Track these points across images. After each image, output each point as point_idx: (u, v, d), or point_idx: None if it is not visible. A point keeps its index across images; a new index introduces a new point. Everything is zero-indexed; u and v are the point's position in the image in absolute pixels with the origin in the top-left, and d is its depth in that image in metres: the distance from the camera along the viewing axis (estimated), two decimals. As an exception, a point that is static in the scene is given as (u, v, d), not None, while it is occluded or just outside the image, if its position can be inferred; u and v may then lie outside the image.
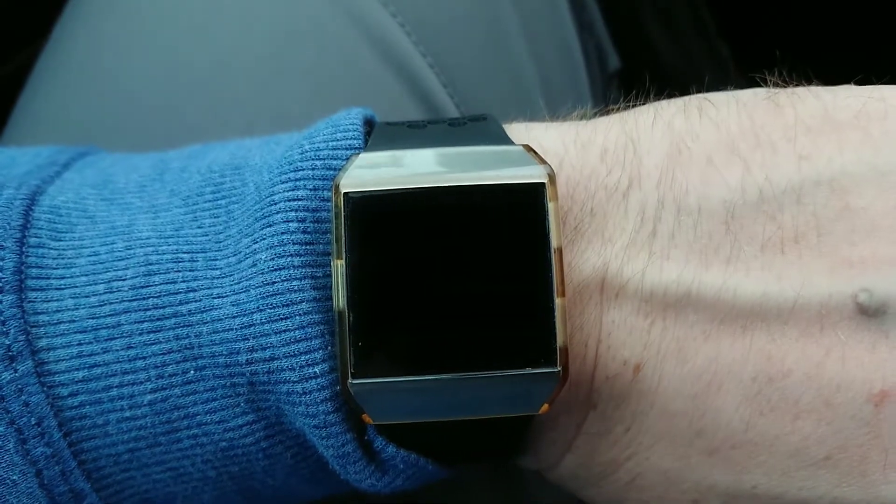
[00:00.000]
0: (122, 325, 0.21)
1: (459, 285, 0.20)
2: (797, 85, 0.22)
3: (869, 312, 0.19)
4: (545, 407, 0.20)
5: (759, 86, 0.23)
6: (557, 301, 0.20)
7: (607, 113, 0.23)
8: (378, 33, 0.35)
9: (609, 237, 0.21)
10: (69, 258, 0.22)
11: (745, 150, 0.21)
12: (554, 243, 0.20)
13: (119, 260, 0.22)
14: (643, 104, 0.23)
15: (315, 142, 0.22)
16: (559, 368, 0.20)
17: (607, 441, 0.22)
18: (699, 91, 0.24)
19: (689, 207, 0.21)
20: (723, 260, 0.20)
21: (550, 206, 0.20)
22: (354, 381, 0.20)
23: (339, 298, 0.20)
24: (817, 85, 0.22)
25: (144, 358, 0.21)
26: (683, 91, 0.24)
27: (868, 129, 0.21)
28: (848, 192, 0.20)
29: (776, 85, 0.22)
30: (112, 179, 0.24)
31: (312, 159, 0.22)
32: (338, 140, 0.22)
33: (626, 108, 0.23)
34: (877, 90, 0.22)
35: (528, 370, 0.20)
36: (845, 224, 0.20)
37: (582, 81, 0.46)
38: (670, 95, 0.23)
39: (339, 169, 0.21)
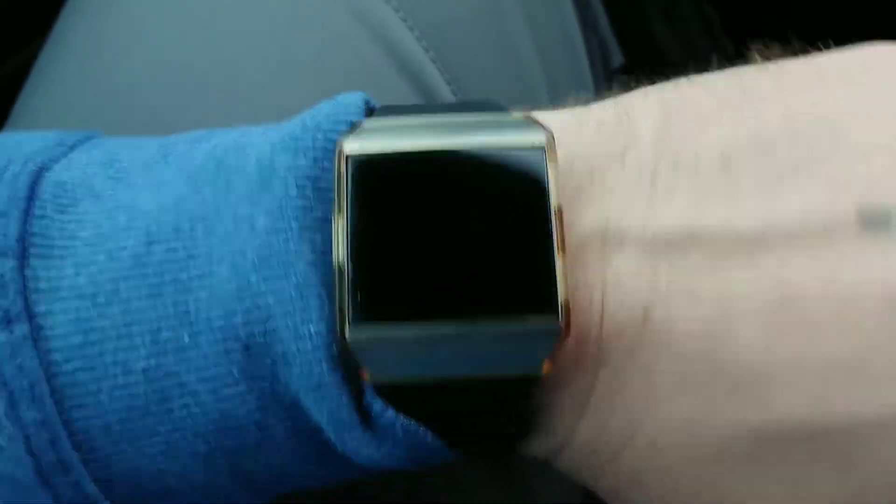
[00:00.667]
0: (121, 291, 0.22)
1: (460, 243, 0.21)
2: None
3: (875, 223, 0.20)
4: (548, 365, 0.21)
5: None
6: (558, 257, 0.20)
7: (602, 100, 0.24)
8: (382, 30, 0.36)
9: (608, 192, 0.22)
10: (72, 230, 0.22)
11: (736, 102, 0.22)
12: (554, 202, 0.21)
13: (121, 231, 0.22)
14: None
15: (317, 117, 0.23)
16: (560, 322, 0.20)
17: (623, 399, 0.21)
18: None
19: (685, 159, 0.21)
20: (722, 197, 0.21)
21: (550, 167, 0.21)
22: (352, 334, 0.20)
23: (339, 253, 0.20)
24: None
25: (140, 323, 0.21)
26: None
27: (854, 78, 0.22)
28: (842, 126, 0.21)
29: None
30: (118, 158, 0.25)
31: (314, 131, 0.22)
32: (339, 116, 0.23)
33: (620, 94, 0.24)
34: (864, 47, 0.23)
35: (530, 323, 0.20)
36: (842, 152, 0.21)
37: (586, 78, 0.46)
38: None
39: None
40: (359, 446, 0.22)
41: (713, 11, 0.64)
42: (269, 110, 0.32)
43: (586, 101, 0.25)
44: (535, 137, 0.21)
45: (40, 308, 0.22)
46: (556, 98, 0.40)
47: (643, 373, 0.21)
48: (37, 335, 0.21)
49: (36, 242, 0.22)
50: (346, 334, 0.20)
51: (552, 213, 0.21)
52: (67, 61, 0.37)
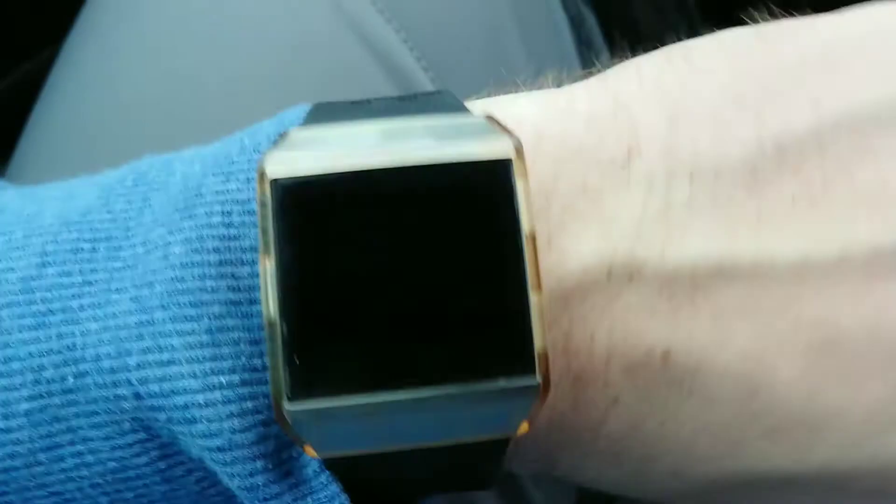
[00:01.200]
0: (3, 320, 0.19)
1: (413, 286, 0.17)
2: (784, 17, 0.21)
3: None
4: (525, 427, 0.17)
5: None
6: (532, 297, 0.17)
7: (581, 78, 0.21)
8: (381, 46, 0.35)
9: (612, 215, 0.19)
10: None
11: (752, 99, 0.19)
12: (525, 229, 0.17)
13: (14, 249, 0.20)
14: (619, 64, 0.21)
15: (257, 138, 0.20)
16: (538, 379, 0.17)
17: (637, 438, 0.20)
18: None
19: (703, 172, 0.19)
20: (751, 224, 0.18)
21: (519, 184, 0.17)
22: (292, 407, 0.16)
23: (270, 305, 0.16)
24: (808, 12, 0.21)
25: (21, 359, 0.19)
26: None
27: (875, 58, 0.19)
28: (869, 131, 0.19)
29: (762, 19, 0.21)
30: (41, 186, 0.23)
31: (250, 153, 0.20)
32: (280, 133, 0.19)
33: (602, 71, 0.21)
34: (867, 14, 0.20)
35: (502, 383, 0.17)
36: (873, 164, 0.18)
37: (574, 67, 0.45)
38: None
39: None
40: None
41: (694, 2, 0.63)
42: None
43: (562, 78, 0.21)
44: (498, 147, 0.17)
45: None
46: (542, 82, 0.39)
47: (661, 414, 0.19)
48: None
49: None
50: (285, 410, 0.16)
51: (523, 241, 0.17)
52: (78, 76, 0.37)
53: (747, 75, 0.19)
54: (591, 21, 0.50)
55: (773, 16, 0.21)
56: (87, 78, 0.36)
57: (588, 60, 0.48)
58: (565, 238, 0.19)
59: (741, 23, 0.21)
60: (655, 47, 0.21)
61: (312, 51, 0.34)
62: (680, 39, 0.21)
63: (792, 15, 0.21)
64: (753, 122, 0.19)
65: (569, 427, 0.20)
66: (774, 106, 0.19)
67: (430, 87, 0.35)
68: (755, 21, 0.21)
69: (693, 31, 0.21)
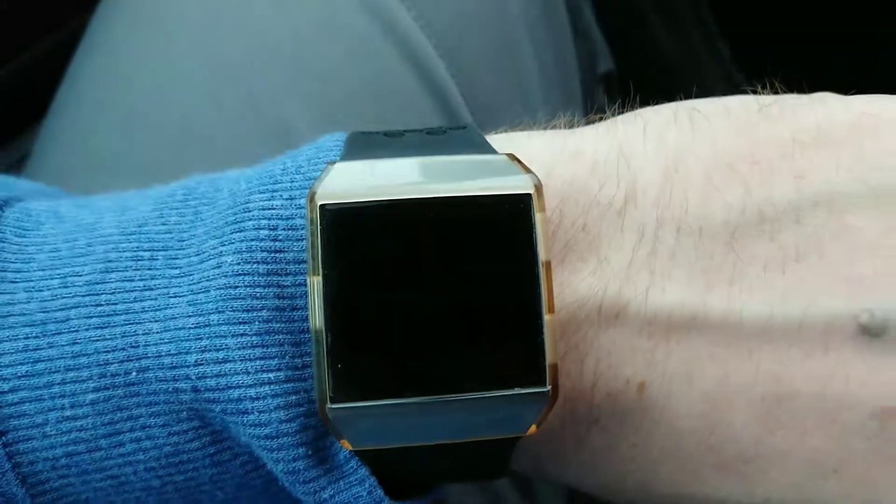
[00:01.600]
0: (72, 319, 0.21)
1: (441, 304, 0.19)
2: (786, 92, 0.22)
3: (871, 332, 0.20)
4: (533, 428, 0.20)
5: (746, 92, 0.22)
6: (546, 317, 0.19)
7: (591, 122, 0.23)
8: (399, 32, 0.36)
9: (605, 256, 0.21)
10: (30, 253, 0.22)
11: (743, 168, 0.21)
12: (542, 257, 0.19)
13: (78, 256, 0.22)
14: (628, 111, 0.23)
15: (298, 160, 0.22)
16: (548, 388, 0.19)
17: (613, 455, 0.22)
18: (700, 89, 0.23)
19: (689, 227, 0.21)
20: (726, 280, 0.20)
21: (538, 217, 0.19)
22: (333, 406, 0.19)
23: (316, 317, 0.19)
24: (807, 91, 0.22)
25: (88, 355, 0.21)
26: (686, 90, 0.24)
27: (862, 145, 0.21)
28: (845, 213, 0.20)
29: (767, 91, 0.22)
30: (92, 197, 0.25)
31: (293, 174, 0.22)
32: (320, 158, 0.22)
33: (611, 116, 0.23)
34: (871, 102, 0.22)
35: (517, 390, 0.19)
36: (844, 244, 0.20)
37: (576, 84, 0.47)
38: (668, 96, 0.23)
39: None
40: (311, 498, 0.21)
41: (709, 13, 0.63)
42: (296, 106, 0.34)
43: (573, 121, 0.23)
44: (520, 182, 0.20)
45: None
46: (549, 102, 0.41)
47: (633, 437, 0.21)
48: None
49: None
50: (327, 409, 0.19)
51: (541, 268, 0.19)
52: (108, 53, 0.37)
53: (743, 145, 0.21)
54: (588, 13, 0.51)
55: (775, 91, 0.23)
56: (116, 57, 0.37)
57: (583, 51, 0.50)
58: (565, 271, 0.21)
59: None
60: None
61: (336, 39, 0.36)
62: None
63: (796, 90, 0.22)
64: (741, 188, 0.21)
65: (557, 440, 0.22)
66: (762, 177, 0.21)
67: (443, 71, 0.37)
68: (759, 93, 0.23)
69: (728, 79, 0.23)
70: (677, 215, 0.21)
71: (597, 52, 0.52)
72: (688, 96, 0.23)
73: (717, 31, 0.65)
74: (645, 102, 0.23)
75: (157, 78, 0.35)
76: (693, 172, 0.21)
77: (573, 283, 0.21)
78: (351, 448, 0.20)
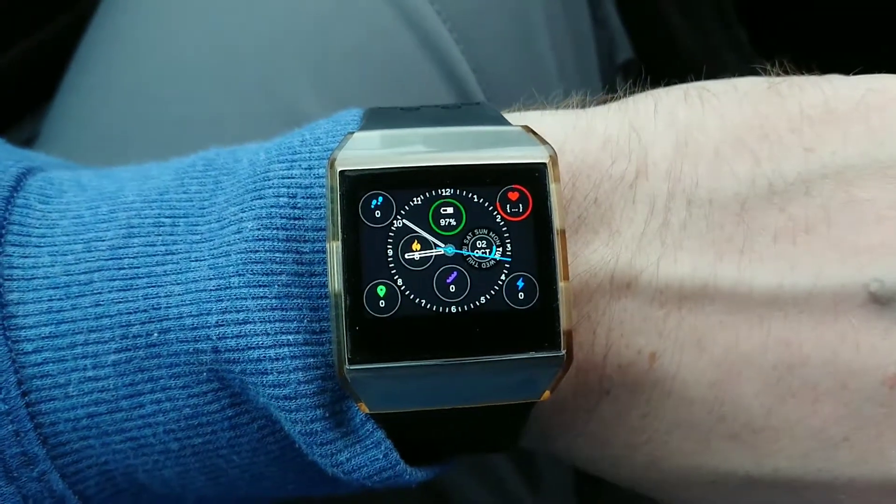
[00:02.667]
0: (95, 282, 0.22)
1: (460, 271, 0.20)
2: (796, 74, 0.23)
3: (881, 301, 0.20)
4: (547, 394, 0.21)
5: (758, 74, 0.23)
6: (561, 284, 0.20)
7: (604, 102, 0.24)
8: (415, 18, 0.36)
9: (617, 228, 0.21)
10: (53, 219, 0.23)
11: (752, 141, 0.22)
12: (557, 225, 0.20)
13: (101, 222, 0.22)
14: (640, 92, 0.24)
15: (316, 132, 0.23)
16: (563, 352, 0.20)
17: (623, 426, 0.22)
18: (719, 76, 0.24)
19: (699, 199, 0.21)
20: (736, 250, 0.21)
21: (552, 186, 0.20)
22: (352, 367, 0.20)
23: (335, 281, 0.20)
24: (816, 74, 0.23)
25: (111, 316, 0.21)
26: (703, 77, 0.24)
27: (868, 120, 0.21)
28: (853, 185, 0.21)
29: (777, 74, 0.23)
30: (113, 168, 0.25)
31: (311, 145, 0.22)
32: (338, 131, 0.22)
33: (623, 97, 0.24)
34: (876, 80, 0.22)
35: (532, 354, 0.20)
36: (853, 215, 0.21)
37: (594, 73, 0.47)
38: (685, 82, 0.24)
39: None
40: (327, 460, 0.21)
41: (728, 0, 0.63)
42: (309, 88, 0.34)
43: (586, 100, 0.24)
44: (536, 152, 0.21)
45: (13, 296, 0.21)
46: (567, 90, 0.41)
47: (644, 407, 0.22)
48: (7, 323, 0.21)
49: (14, 230, 0.22)
50: (346, 371, 0.20)
51: (555, 237, 0.20)
52: (115, 35, 0.37)
53: (752, 119, 0.22)
54: (607, 1, 0.51)
55: (786, 72, 0.23)
56: (126, 38, 0.37)
57: (602, 40, 0.50)
58: (577, 243, 0.21)
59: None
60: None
61: (353, 21, 0.36)
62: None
63: (804, 72, 0.23)
64: (750, 161, 0.21)
65: (568, 409, 0.23)
66: (771, 150, 0.21)
67: (460, 57, 0.37)
68: (777, 72, 0.23)
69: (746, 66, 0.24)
70: (688, 188, 0.21)
71: (616, 41, 0.52)
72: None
73: (735, 16, 0.65)
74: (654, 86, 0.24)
75: (166, 60, 0.36)
76: (703, 146, 0.22)
77: (585, 254, 0.21)
78: (368, 411, 0.20)
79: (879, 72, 0.23)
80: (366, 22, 0.36)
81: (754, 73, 0.24)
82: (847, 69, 0.23)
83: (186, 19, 0.36)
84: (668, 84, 0.24)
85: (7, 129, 0.49)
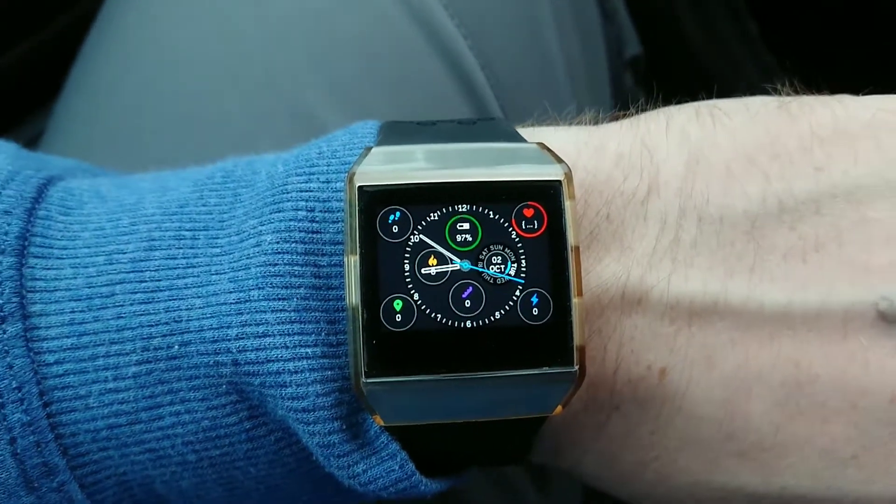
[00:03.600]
0: (117, 294, 0.22)
1: (475, 286, 0.20)
2: (806, 93, 0.23)
3: (890, 319, 0.21)
4: (559, 409, 0.21)
5: (767, 91, 0.23)
6: (575, 300, 0.20)
7: (616, 118, 0.24)
8: (422, 12, 0.36)
9: (629, 244, 0.22)
10: (75, 231, 0.23)
11: (763, 160, 0.22)
12: (571, 242, 0.21)
13: (122, 234, 0.23)
14: (652, 106, 0.24)
15: (333, 144, 0.23)
16: (576, 368, 0.20)
17: (631, 442, 0.23)
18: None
19: (710, 217, 0.22)
20: (746, 268, 0.21)
21: (567, 204, 0.21)
22: (368, 381, 0.20)
23: (353, 295, 0.20)
24: (826, 93, 0.23)
25: (132, 328, 0.22)
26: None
27: (879, 139, 0.22)
28: (863, 204, 0.21)
29: (787, 93, 0.23)
30: (129, 177, 0.26)
31: (328, 158, 0.23)
32: (355, 144, 0.23)
33: (635, 113, 0.24)
34: (887, 100, 0.22)
35: (545, 370, 0.20)
36: (863, 234, 0.21)
37: (602, 70, 0.47)
38: (693, 84, 0.24)
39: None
40: (345, 472, 0.22)
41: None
42: (319, 89, 0.34)
43: (598, 117, 0.24)
44: (551, 170, 0.21)
45: (35, 308, 0.22)
46: (575, 88, 0.41)
47: (653, 424, 0.22)
48: (29, 335, 0.22)
49: (36, 242, 0.22)
50: (362, 384, 0.20)
51: (569, 253, 0.21)
52: (122, 34, 0.37)
53: (763, 139, 0.22)
54: None
55: (797, 91, 0.23)
56: (132, 35, 0.37)
57: (611, 35, 0.50)
58: (589, 259, 0.22)
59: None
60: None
61: (356, 14, 0.36)
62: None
63: (815, 92, 0.23)
64: (761, 180, 0.22)
65: (578, 424, 0.23)
66: (782, 169, 0.22)
67: (467, 52, 0.37)
68: (780, 93, 0.23)
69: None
70: (699, 205, 0.22)
71: (624, 36, 0.53)
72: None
73: (746, 9, 0.65)
74: (672, 87, 0.24)
75: (171, 56, 0.36)
76: (714, 164, 0.22)
77: (597, 269, 0.22)
78: (383, 424, 0.21)
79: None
80: (371, 16, 0.36)
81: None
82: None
83: (191, 16, 0.36)
84: (677, 86, 0.24)
85: (12, 127, 0.50)
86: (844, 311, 0.21)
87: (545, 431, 0.23)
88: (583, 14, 0.45)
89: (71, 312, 0.22)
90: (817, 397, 0.21)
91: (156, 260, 0.22)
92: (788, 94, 0.23)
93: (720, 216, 0.22)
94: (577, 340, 0.20)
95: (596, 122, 0.24)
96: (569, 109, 0.25)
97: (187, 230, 0.23)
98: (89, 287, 0.22)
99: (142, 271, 0.22)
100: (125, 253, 0.22)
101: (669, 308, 0.21)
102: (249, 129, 0.34)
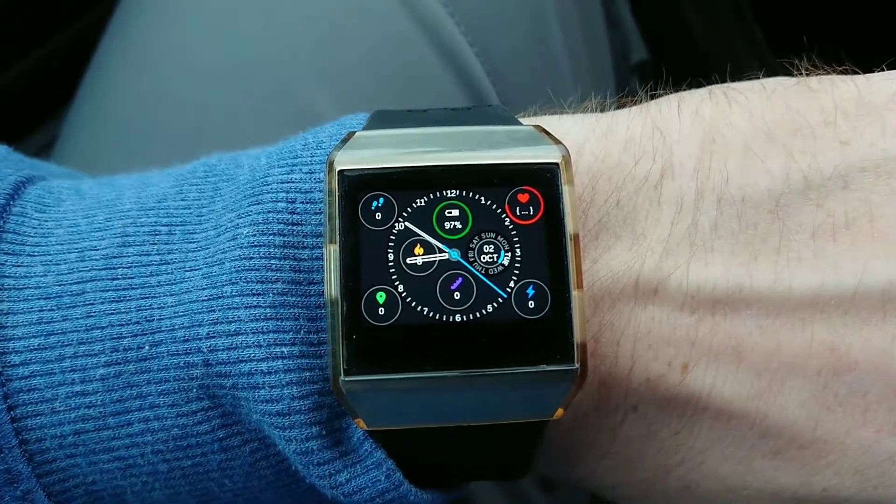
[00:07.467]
0: (87, 292, 0.21)
1: (465, 277, 0.19)
2: (825, 71, 0.22)
3: None
4: (560, 412, 0.20)
5: (786, 72, 0.22)
6: (575, 293, 0.19)
7: (623, 105, 0.23)
8: (430, 21, 0.36)
9: (642, 231, 0.21)
10: (49, 228, 0.22)
11: (784, 136, 0.21)
12: (569, 230, 0.19)
13: (96, 231, 0.22)
14: (660, 94, 0.23)
15: (319, 136, 0.22)
16: (576, 365, 0.19)
17: (652, 446, 0.21)
18: (736, 75, 0.23)
19: (731, 197, 0.21)
20: (772, 250, 0.20)
21: (565, 189, 0.19)
22: (347, 379, 0.19)
23: (332, 286, 0.19)
24: (846, 70, 0.22)
25: (102, 328, 0.21)
26: (720, 76, 0.23)
27: None
28: (894, 177, 0.20)
29: (806, 72, 0.22)
30: (116, 177, 0.25)
31: (313, 149, 0.22)
32: (342, 134, 0.22)
33: (644, 100, 0.23)
34: None
35: (543, 367, 0.19)
36: (894, 207, 0.20)
37: (609, 73, 0.47)
38: (703, 83, 0.23)
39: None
40: (324, 481, 0.21)
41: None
42: (323, 90, 0.34)
43: (609, 104, 0.23)
44: (547, 154, 0.20)
45: (2, 306, 0.21)
46: (581, 92, 0.41)
47: (676, 424, 0.21)
48: None
49: (8, 238, 0.22)
50: (341, 382, 0.19)
51: (568, 242, 0.19)
52: (139, 35, 0.38)
53: (783, 114, 0.21)
54: (621, 1, 0.51)
55: (813, 64, 0.22)
56: (143, 44, 0.37)
57: (616, 40, 0.50)
58: (598, 248, 0.21)
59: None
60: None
61: (366, 25, 0.36)
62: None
63: (833, 70, 0.22)
64: (783, 156, 0.21)
65: (591, 427, 0.22)
66: (805, 144, 0.21)
67: (473, 59, 0.37)
68: (806, 70, 0.22)
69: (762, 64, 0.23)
70: (718, 185, 0.21)
71: (630, 41, 0.52)
72: (723, 81, 0.23)
73: (752, 14, 0.65)
74: (678, 90, 0.23)
75: (183, 65, 0.36)
76: (731, 142, 0.21)
77: (606, 259, 0.21)
78: (366, 427, 0.20)
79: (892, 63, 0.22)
80: (380, 26, 0.36)
81: (774, 73, 0.23)
82: (863, 69, 0.23)
83: (202, 25, 0.37)
84: (687, 85, 0.23)
85: (26, 134, 0.51)
86: (882, 290, 0.19)
87: (552, 437, 0.22)
88: (589, 20, 0.44)
89: (39, 311, 0.21)
90: (857, 386, 0.20)
91: (129, 257, 0.22)
92: (804, 73, 0.22)
93: (742, 196, 0.20)
94: (577, 336, 0.19)
95: (602, 110, 0.23)
96: (572, 98, 0.24)
97: (163, 225, 0.22)
98: (59, 285, 0.21)
99: (114, 268, 0.21)
100: (98, 249, 0.22)
101: (689, 297, 0.20)
102: (259, 138, 0.34)
